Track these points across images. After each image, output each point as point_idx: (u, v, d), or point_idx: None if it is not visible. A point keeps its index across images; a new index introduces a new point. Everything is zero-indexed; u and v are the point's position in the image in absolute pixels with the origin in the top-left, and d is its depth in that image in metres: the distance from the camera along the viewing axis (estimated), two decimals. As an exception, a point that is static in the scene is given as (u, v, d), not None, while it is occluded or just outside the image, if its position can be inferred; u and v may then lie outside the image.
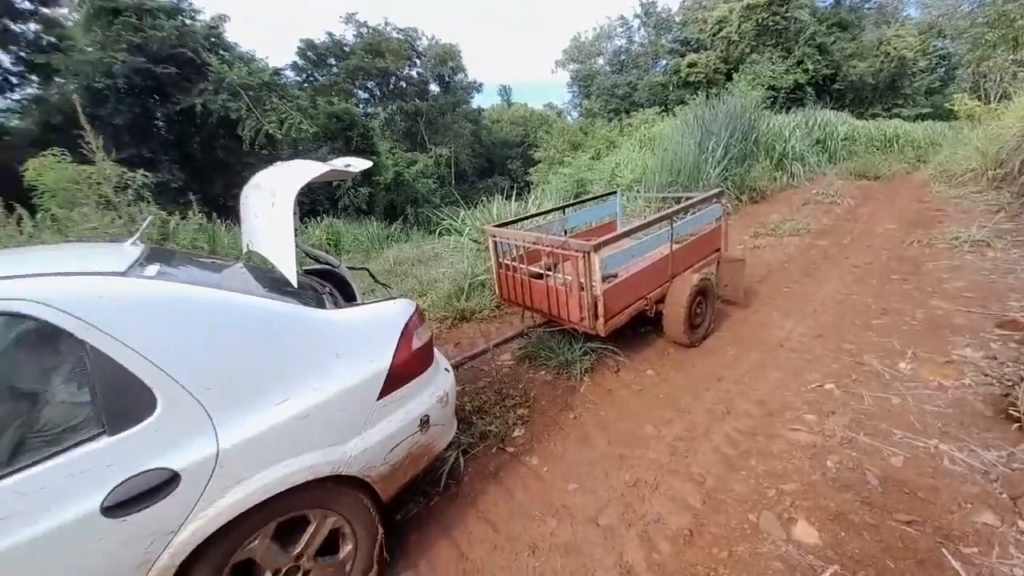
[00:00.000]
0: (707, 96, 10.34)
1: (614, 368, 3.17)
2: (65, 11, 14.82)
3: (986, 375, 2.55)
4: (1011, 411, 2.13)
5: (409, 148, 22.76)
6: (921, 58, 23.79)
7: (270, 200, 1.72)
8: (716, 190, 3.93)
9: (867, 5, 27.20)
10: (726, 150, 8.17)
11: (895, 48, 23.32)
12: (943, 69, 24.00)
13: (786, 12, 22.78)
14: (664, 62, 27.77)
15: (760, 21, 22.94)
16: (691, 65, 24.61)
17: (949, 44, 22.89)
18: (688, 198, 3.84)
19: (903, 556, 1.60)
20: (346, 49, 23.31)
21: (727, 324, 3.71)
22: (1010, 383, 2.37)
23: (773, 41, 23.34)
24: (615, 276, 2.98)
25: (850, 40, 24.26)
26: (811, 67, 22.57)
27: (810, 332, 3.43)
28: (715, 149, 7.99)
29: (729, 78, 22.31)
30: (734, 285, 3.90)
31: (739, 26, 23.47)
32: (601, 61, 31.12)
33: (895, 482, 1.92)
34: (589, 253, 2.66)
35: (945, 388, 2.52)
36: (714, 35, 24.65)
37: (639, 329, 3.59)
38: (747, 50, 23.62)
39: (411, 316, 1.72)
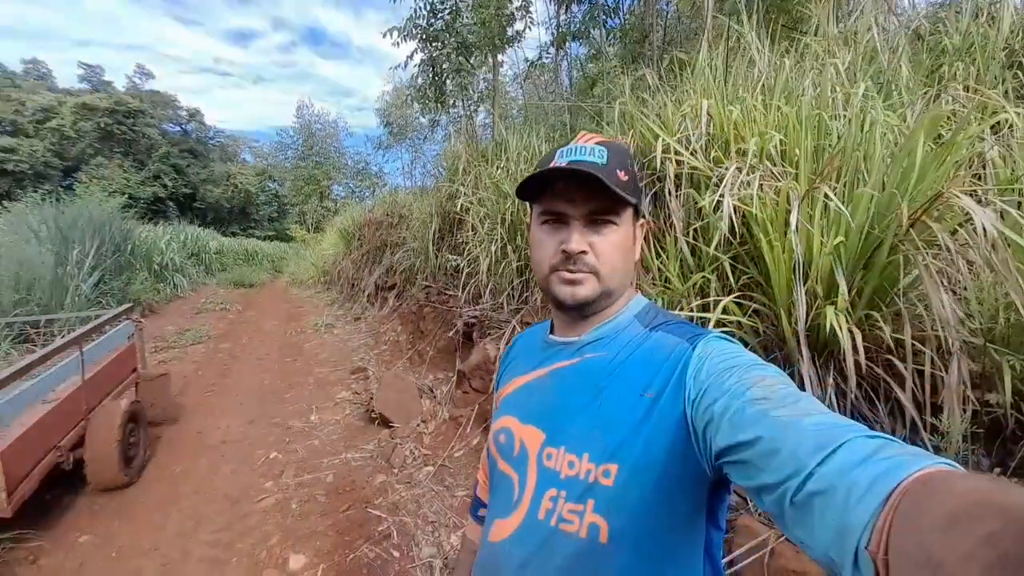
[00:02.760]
0: (50, 195, 8.58)
1: (30, 559, 2.28)
2: None
3: (355, 403, 4.11)
4: (372, 415, 3.64)
5: None
6: (261, 194, 30.60)
7: None
8: (126, 306, 3.69)
9: (211, 141, 31.81)
10: (97, 261, 7.20)
11: (240, 183, 28.66)
12: (277, 204, 31.99)
13: (133, 125, 22.55)
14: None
15: (103, 125, 21.36)
16: (8, 150, 19.00)
17: (278, 187, 30.94)
18: (83, 319, 3.35)
19: (351, 529, 2.46)
20: None
21: (163, 445, 3.53)
22: (367, 401, 3.98)
23: (123, 150, 22.33)
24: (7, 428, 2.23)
25: (203, 167, 27.38)
26: (170, 183, 23.43)
27: (244, 421, 3.94)
28: (82, 260, 6.86)
29: (68, 175, 19.05)
30: (160, 403, 3.76)
31: (75, 123, 20.71)
32: None
33: (333, 491, 2.82)
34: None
35: (339, 421, 3.82)
36: (38, 123, 20.34)
37: (43, 496, 2.71)
38: (90, 151, 21.18)
39: None
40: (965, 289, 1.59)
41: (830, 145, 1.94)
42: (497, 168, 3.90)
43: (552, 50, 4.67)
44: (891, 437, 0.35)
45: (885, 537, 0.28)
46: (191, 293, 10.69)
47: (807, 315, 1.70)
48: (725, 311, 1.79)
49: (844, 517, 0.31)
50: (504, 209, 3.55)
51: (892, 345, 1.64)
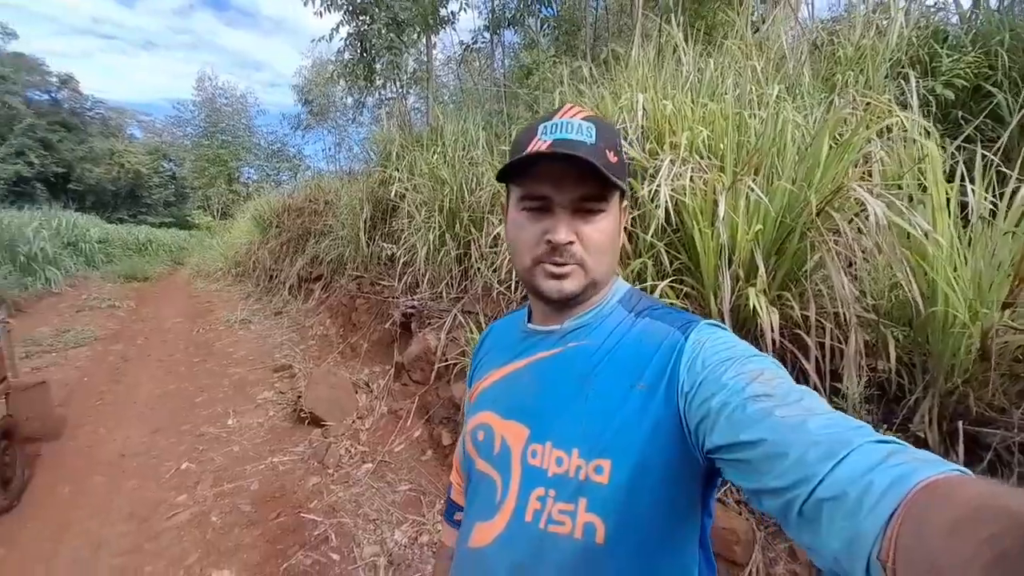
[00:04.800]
0: None
1: None
2: None
3: (280, 404, 3.80)
4: (302, 415, 3.40)
5: None
6: (155, 175, 27.01)
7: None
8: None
9: (90, 113, 27.35)
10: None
11: (129, 161, 25.07)
12: (174, 187, 28.45)
13: (-12, 93, 18.83)
14: None
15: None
16: None
17: (176, 167, 27.48)
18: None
19: (283, 537, 2.28)
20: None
21: (46, 464, 3.02)
22: (295, 400, 3.71)
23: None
24: None
25: (79, 143, 23.54)
26: (36, 161, 19.91)
27: (146, 431, 3.49)
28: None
29: None
30: (38, 416, 3.20)
31: None
32: None
33: (260, 499, 2.59)
34: None
35: (263, 424, 3.52)
36: None
37: None
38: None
39: None
40: (861, 271, 1.81)
41: (749, 141, 2.11)
42: (434, 154, 3.77)
43: (487, 34, 4.59)
44: (898, 441, 0.35)
45: (895, 545, 0.28)
46: (69, 289, 9.23)
47: (731, 296, 1.85)
48: (661, 295, 1.89)
49: (856, 526, 0.31)
50: (443, 196, 3.45)
51: (800, 321, 1.84)
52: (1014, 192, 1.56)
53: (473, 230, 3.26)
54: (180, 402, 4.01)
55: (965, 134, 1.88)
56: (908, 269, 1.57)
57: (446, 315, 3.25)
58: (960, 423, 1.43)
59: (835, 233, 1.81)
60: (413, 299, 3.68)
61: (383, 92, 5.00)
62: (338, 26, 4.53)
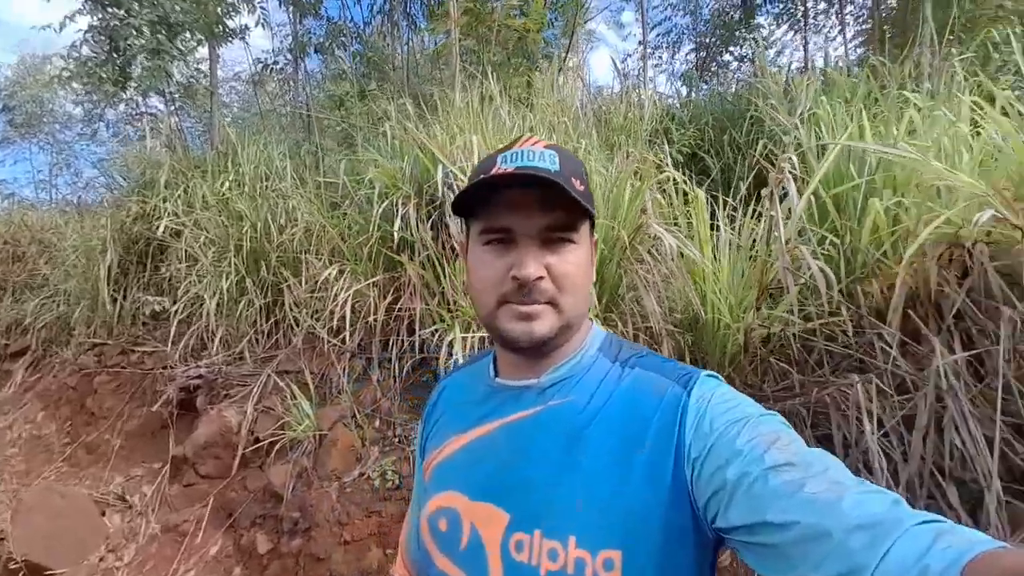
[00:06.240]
0: None
1: None
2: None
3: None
4: (10, 567, 2.17)
5: None
6: None
7: None
8: None
9: None
10: None
11: None
12: None
13: None
14: None
15: None
16: None
17: None
18: None
19: None
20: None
21: None
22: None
23: None
24: None
25: None
26: None
27: None
28: None
29: None
30: None
31: None
32: None
33: None
34: None
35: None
36: None
37: None
38: None
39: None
40: (662, 291, 2.23)
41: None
42: (223, 183, 3.09)
43: (289, 55, 4.11)
44: (939, 518, 0.35)
45: None
46: None
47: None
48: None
49: None
50: (240, 234, 2.83)
51: (624, 335, 2.13)
52: (742, 226, 2.18)
53: (285, 273, 2.76)
54: None
55: (707, 184, 2.56)
56: (690, 287, 2.01)
57: (252, 381, 2.62)
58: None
59: (640, 262, 2.19)
60: (199, 366, 2.86)
61: (141, 104, 3.89)
62: (74, 15, 3.37)
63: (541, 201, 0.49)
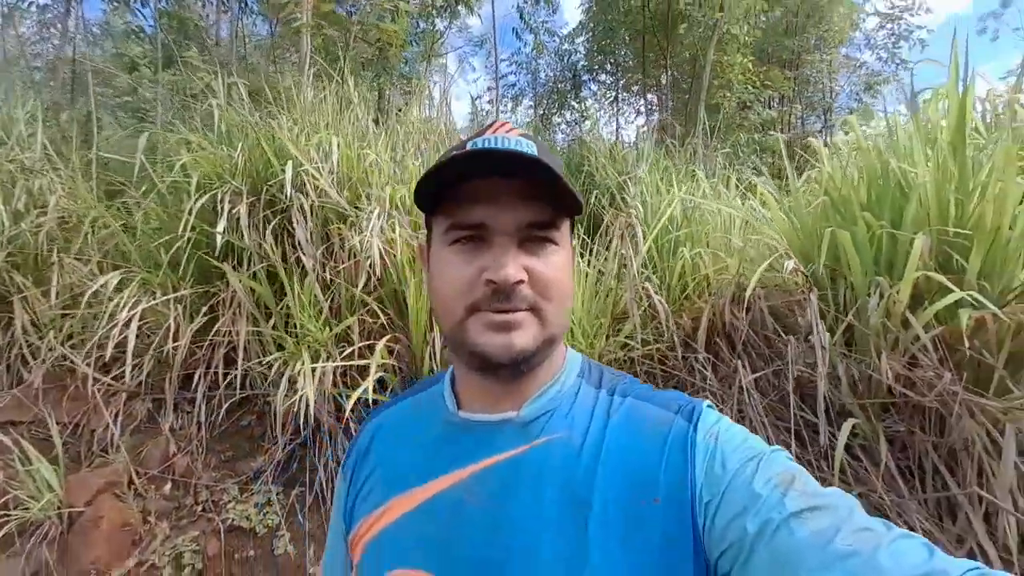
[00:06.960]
0: None
1: None
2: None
3: None
4: None
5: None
6: None
7: None
8: None
9: None
10: None
11: None
12: None
13: None
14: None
15: None
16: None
17: None
18: None
19: None
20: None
21: None
22: None
23: None
24: None
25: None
26: None
27: None
28: None
29: None
30: None
31: None
32: None
33: None
34: None
35: None
36: None
37: None
38: None
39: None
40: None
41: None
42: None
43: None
44: (979, 565, 0.32)
45: None
46: None
47: (441, 352, 1.90)
48: (382, 355, 1.71)
49: None
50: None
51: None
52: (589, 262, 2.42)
53: (19, 279, 1.92)
54: None
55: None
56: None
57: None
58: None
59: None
60: None
61: None
62: None
63: (521, 192, 0.41)
